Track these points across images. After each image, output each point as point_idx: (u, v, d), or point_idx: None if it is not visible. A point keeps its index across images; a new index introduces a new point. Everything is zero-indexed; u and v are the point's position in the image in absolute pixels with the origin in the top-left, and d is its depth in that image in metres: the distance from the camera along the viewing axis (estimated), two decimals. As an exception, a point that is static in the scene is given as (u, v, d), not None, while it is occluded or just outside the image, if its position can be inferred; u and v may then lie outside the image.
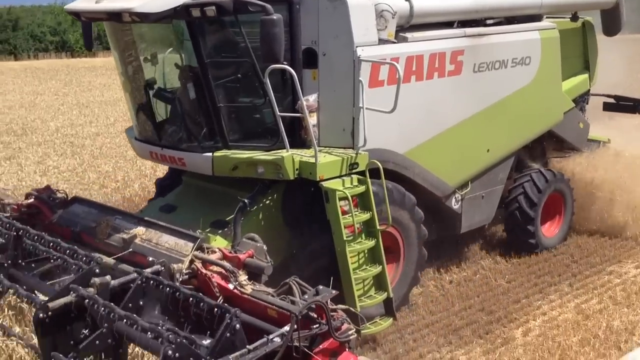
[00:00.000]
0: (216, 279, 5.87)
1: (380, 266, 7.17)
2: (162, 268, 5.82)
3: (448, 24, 8.65)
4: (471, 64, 8.57)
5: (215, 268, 6.01)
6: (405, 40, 7.85)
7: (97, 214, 7.67)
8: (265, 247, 6.51)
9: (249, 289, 5.80)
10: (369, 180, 7.08)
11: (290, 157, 6.94)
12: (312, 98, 7.37)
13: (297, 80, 6.63)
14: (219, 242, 7.02)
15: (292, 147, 7.29)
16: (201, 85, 6.93)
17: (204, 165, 7.19)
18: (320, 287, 5.32)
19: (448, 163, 8.60)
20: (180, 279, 5.93)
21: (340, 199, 6.82)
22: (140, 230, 7.05)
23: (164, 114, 7.53)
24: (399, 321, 7.74)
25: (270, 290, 5.88)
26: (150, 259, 6.61)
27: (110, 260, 7.10)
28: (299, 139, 7.44)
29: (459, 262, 9.66)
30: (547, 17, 10.41)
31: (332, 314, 5.20)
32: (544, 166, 10.93)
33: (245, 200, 7.07)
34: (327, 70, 7.37)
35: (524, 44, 9.31)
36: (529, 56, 9.37)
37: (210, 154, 7.11)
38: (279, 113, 6.77)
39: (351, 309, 5.55)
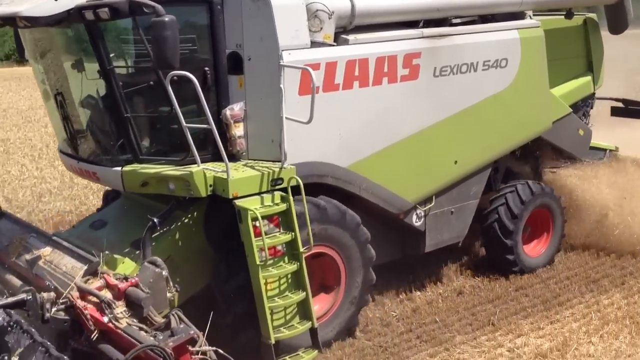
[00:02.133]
0: (90, 310, 5.30)
1: (304, 293, 6.48)
2: (29, 297, 5.28)
3: (409, 24, 7.87)
4: (430, 68, 7.78)
5: (94, 298, 5.45)
6: (346, 42, 7.13)
7: (17, 231, 7.23)
8: (165, 274, 5.94)
9: (123, 322, 5.23)
10: (291, 197, 6.40)
11: (201, 172, 6.31)
12: (238, 107, 6.75)
13: (199, 88, 5.99)
14: (126, 265, 6.46)
15: (218, 161, 6.71)
16: (107, 93, 6.38)
17: (115, 180, 6.65)
18: (181, 325, 4.69)
19: (405, 176, 7.83)
20: (55, 309, 5.38)
21: (254, 218, 6.16)
22: (45, 250, 6.60)
23: (78, 125, 7.00)
24: (541, 274, 9.07)
25: (156, 323, 5.32)
26: (47, 283, 6.16)
27: (16, 282, 6.69)
28: (227, 152, 6.81)
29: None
30: (538, 16, 9.54)
31: (195, 356, 4.59)
32: (538, 177, 10.05)
33: (155, 220, 6.48)
34: (253, 77, 6.73)
35: (499, 44, 8.45)
36: (505, 58, 8.50)
37: (120, 168, 6.55)
38: (185, 124, 6.15)
39: (220, 350, 4.88)
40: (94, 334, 5.29)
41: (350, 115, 7.14)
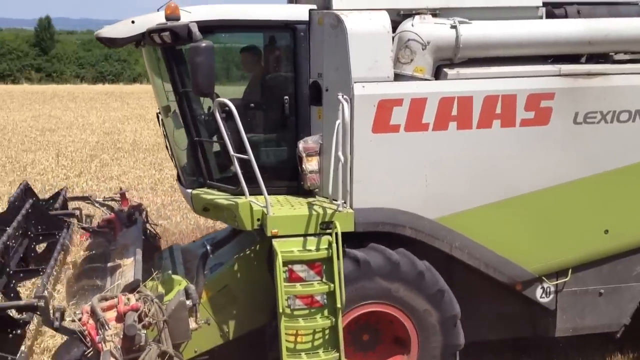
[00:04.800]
0: (90, 327, 5.35)
1: (337, 354, 5.75)
2: (41, 303, 5.50)
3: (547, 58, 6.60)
4: (569, 113, 6.39)
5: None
6: (445, 77, 6.21)
7: (128, 239, 7.71)
8: (189, 304, 5.80)
9: (108, 345, 5.17)
10: (335, 245, 5.75)
11: (247, 204, 6.00)
12: (312, 140, 6.31)
13: (237, 116, 5.71)
14: (181, 288, 6.41)
15: (291, 194, 6.40)
16: (182, 116, 6.45)
17: (189, 201, 6.68)
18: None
19: (522, 240, 6.54)
20: (68, 320, 5.55)
21: (284, 262, 5.67)
22: (127, 261, 6.89)
23: (170, 144, 7.19)
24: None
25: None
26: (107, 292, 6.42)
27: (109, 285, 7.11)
28: (301, 185, 6.44)
29: None
30: None
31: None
32: None
33: (208, 246, 6.36)
34: (330, 109, 6.22)
35: None
36: (697, 107, 6.61)
37: (191, 190, 6.57)
38: (232, 153, 5.91)
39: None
40: (89, 351, 5.32)
41: (442, 160, 6.19)
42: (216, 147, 6.46)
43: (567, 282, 6.78)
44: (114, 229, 8.52)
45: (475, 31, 6.21)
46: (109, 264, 6.93)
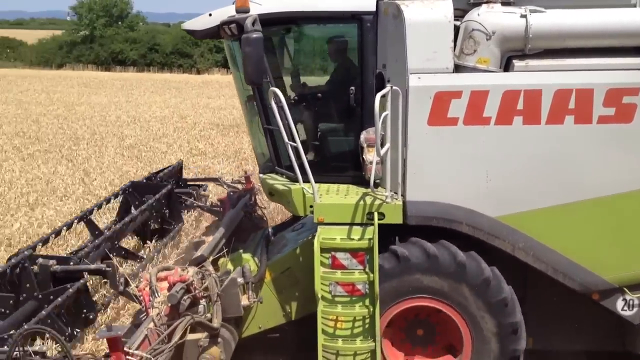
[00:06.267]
0: (145, 294, 5.89)
1: (373, 343, 5.77)
2: (109, 269, 6.12)
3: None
4: (658, 110, 5.80)
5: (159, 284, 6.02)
6: (512, 68, 5.90)
7: (229, 220, 8.24)
8: (240, 281, 6.22)
9: (154, 312, 5.66)
10: (375, 235, 5.76)
11: (300, 191, 6.17)
12: (373, 130, 6.32)
13: (285, 105, 5.87)
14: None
15: (357, 184, 6.49)
16: (253, 104, 6.77)
17: (261, 186, 7.01)
18: (128, 325, 4.91)
19: (598, 246, 6.05)
20: (127, 285, 6.14)
21: (325, 249, 5.79)
22: (209, 238, 7.40)
23: (251, 132, 7.51)
24: None
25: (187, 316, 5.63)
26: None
27: None
28: (360, 176, 6.49)
29: None
30: None
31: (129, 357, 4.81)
32: None
33: (269, 229, 6.63)
34: (391, 100, 6.20)
35: None
36: None
37: (262, 175, 6.89)
38: (287, 140, 6.11)
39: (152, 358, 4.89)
40: (143, 315, 5.86)
41: (505, 156, 5.90)
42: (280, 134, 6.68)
43: None
44: (224, 208, 9.13)
45: (549, 20, 5.83)
46: (195, 240, 7.47)
